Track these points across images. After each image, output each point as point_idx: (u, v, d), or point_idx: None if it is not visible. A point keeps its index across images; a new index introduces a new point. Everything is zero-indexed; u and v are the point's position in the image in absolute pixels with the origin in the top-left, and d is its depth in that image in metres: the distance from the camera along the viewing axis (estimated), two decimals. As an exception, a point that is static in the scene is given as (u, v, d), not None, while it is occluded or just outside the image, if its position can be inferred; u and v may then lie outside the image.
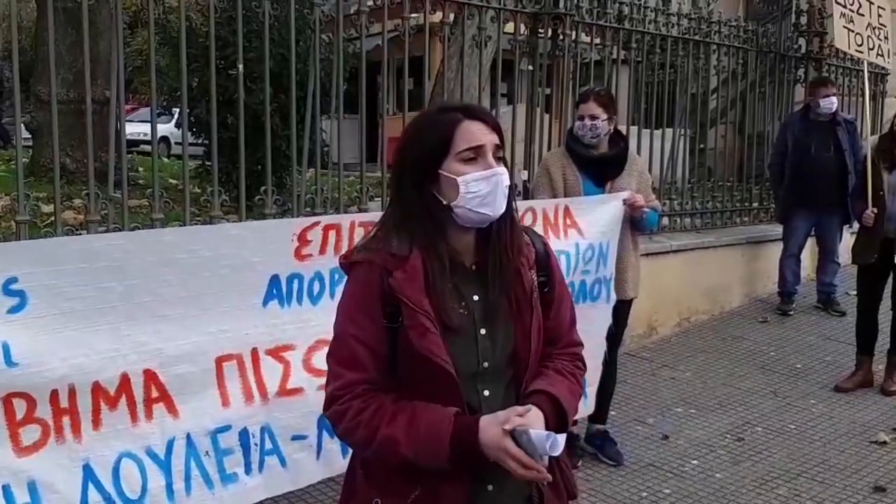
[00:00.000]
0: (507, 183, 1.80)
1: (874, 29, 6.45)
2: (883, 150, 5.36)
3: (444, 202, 1.77)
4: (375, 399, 1.76)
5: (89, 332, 2.62)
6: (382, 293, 1.75)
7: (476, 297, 1.82)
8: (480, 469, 1.78)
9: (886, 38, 6.59)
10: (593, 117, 4.07)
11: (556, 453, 1.67)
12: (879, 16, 6.49)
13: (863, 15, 6.34)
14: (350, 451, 3.11)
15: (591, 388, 4.18)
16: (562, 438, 1.66)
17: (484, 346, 1.81)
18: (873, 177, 5.33)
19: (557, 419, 1.81)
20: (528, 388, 1.84)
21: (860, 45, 6.40)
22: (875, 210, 5.24)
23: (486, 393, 1.81)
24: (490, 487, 1.82)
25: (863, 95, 6.54)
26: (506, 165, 1.83)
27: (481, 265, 1.83)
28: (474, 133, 1.78)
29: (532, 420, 1.71)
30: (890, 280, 5.38)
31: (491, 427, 1.69)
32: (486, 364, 1.81)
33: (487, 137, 1.79)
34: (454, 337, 1.76)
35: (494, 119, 1.86)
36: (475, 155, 1.77)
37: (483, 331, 1.81)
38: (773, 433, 4.83)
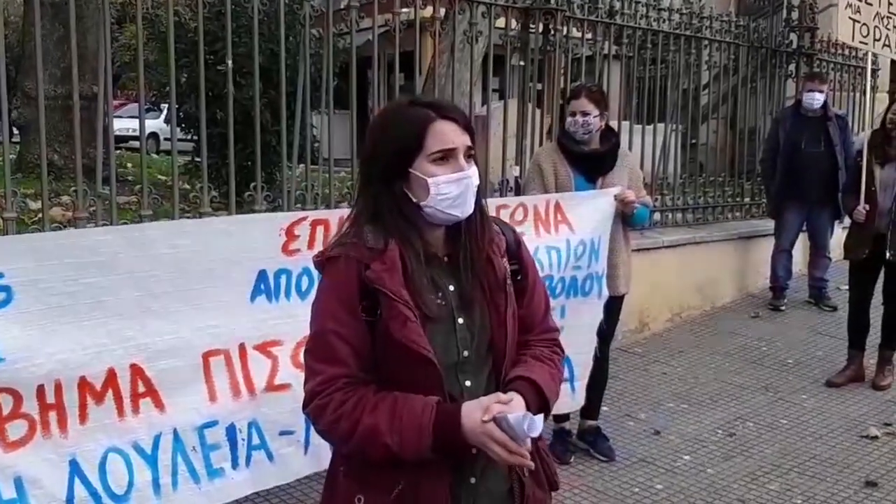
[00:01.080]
0: (477, 183, 1.81)
1: (882, 18, 6.36)
2: (874, 146, 5.36)
3: (415, 200, 1.77)
4: (357, 391, 1.74)
5: (75, 327, 2.62)
6: (360, 287, 1.75)
7: (451, 288, 1.82)
8: (462, 462, 1.78)
9: (895, 27, 6.51)
10: (585, 113, 4.06)
11: (535, 434, 1.67)
12: (890, 3, 6.40)
13: (871, 4, 6.26)
14: None
15: (581, 382, 4.18)
16: (539, 419, 1.67)
17: (462, 336, 1.81)
18: (866, 172, 5.33)
19: (539, 403, 1.82)
20: (507, 375, 1.84)
21: (865, 37, 6.33)
22: (867, 206, 5.25)
23: (468, 383, 1.81)
24: (472, 480, 1.82)
25: (864, 91, 6.50)
26: (475, 162, 1.82)
27: (454, 256, 1.84)
28: (447, 134, 1.77)
29: (514, 407, 1.71)
30: (881, 275, 5.39)
31: (474, 413, 1.69)
32: (465, 353, 1.81)
33: (460, 139, 1.78)
34: (434, 327, 1.76)
35: (466, 118, 1.85)
36: (446, 156, 1.77)
37: (461, 320, 1.81)
38: (765, 428, 4.84)
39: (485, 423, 1.67)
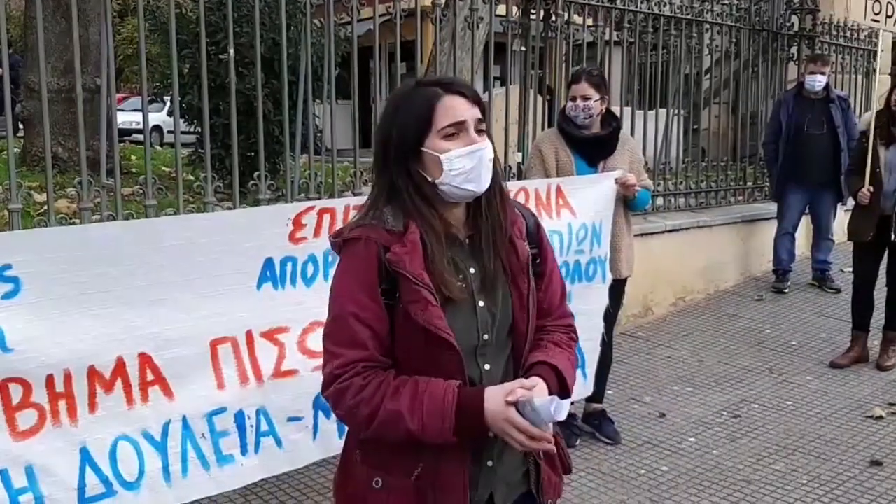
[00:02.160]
0: (491, 156, 1.79)
1: None
2: (879, 127, 5.35)
3: (430, 179, 1.77)
4: (376, 376, 1.73)
5: (83, 317, 2.64)
6: (380, 269, 1.74)
7: (473, 270, 1.82)
8: (480, 445, 1.79)
9: None
10: (585, 98, 4.07)
11: (561, 418, 1.66)
12: None
13: None
14: (344, 430, 3.14)
15: (591, 368, 4.19)
16: (566, 403, 1.66)
17: (483, 319, 1.80)
18: (871, 154, 5.31)
19: (560, 389, 1.82)
20: (527, 360, 1.84)
21: (877, 14, 6.25)
22: (871, 189, 5.24)
23: (487, 367, 1.81)
24: (490, 463, 1.83)
25: (867, 74, 6.46)
26: (489, 137, 1.81)
27: (475, 238, 1.83)
28: (455, 108, 1.76)
29: (537, 393, 1.71)
30: (886, 256, 5.39)
31: (496, 397, 1.69)
32: (486, 337, 1.81)
33: (469, 112, 1.77)
34: (454, 310, 1.76)
35: (474, 91, 1.83)
36: (457, 131, 1.76)
37: (481, 303, 1.81)
38: (770, 410, 4.86)
39: (507, 408, 1.66)
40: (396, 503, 1.78)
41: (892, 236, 5.20)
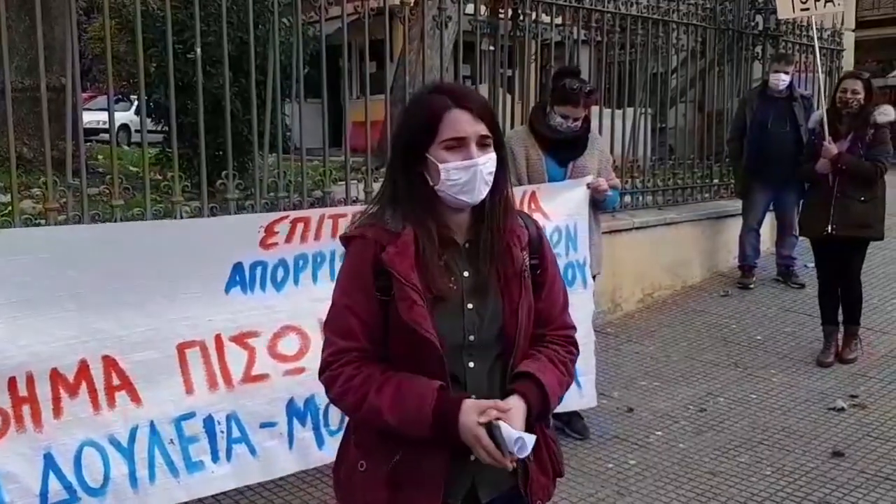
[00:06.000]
0: (490, 170, 1.85)
1: None
2: (828, 123, 5.45)
3: (431, 184, 1.85)
4: (365, 367, 1.84)
5: (47, 319, 2.62)
6: (374, 267, 1.82)
7: (466, 274, 1.88)
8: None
9: None
10: (576, 119, 4.10)
11: (521, 456, 1.74)
12: None
13: None
14: (324, 441, 3.14)
15: (587, 377, 4.21)
16: (530, 441, 1.73)
17: (470, 320, 1.87)
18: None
19: (542, 407, 1.87)
20: (517, 367, 1.89)
21: (805, 3, 6.28)
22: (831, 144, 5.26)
23: (472, 365, 1.87)
24: (472, 457, 1.85)
25: (817, 71, 6.58)
26: (497, 149, 1.87)
27: (473, 243, 1.90)
28: (459, 123, 1.83)
29: (512, 416, 1.77)
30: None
31: (471, 412, 1.76)
32: (471, 338, 1.87)
33: (472, 128, 1.83)
34: (442, 310, 1.83)
35: (482, 106, 1.89)
36: (458, 144, 1.83)
37: (470, 305, 1.87)
38: (735, 403, 4.94)
39: (478, 427, 1.74)
40: (372, 488, 1.86)
41: (829, 229, 5.28)
